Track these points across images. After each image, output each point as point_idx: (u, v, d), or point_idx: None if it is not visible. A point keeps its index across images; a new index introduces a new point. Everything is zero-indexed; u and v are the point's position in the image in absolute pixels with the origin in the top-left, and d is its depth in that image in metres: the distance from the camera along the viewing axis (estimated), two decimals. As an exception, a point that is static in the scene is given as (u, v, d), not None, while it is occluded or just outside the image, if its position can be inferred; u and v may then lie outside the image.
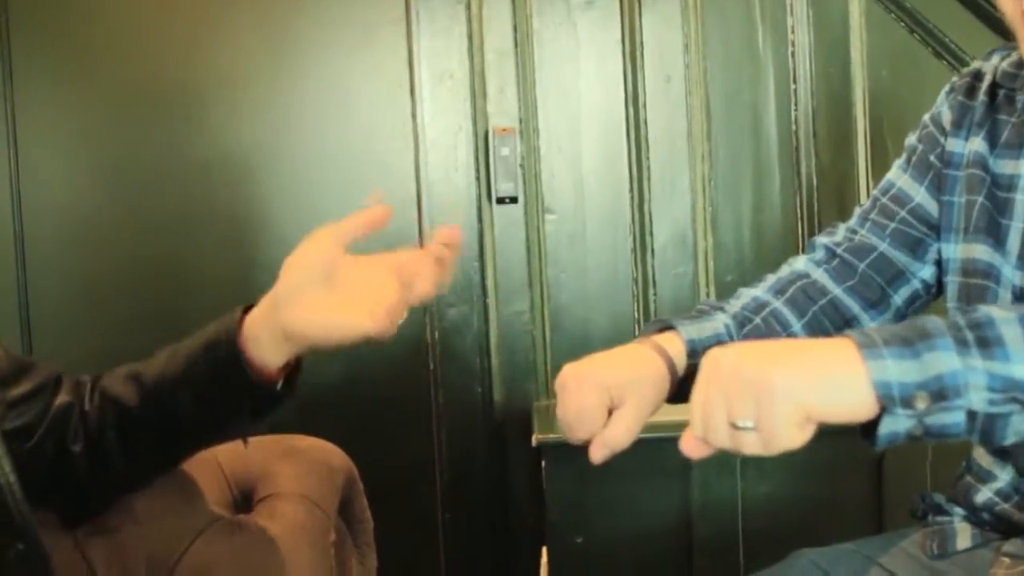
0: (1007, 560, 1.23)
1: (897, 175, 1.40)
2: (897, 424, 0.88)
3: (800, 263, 1.39)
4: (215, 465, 1.32)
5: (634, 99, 2.46)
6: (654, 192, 2.47)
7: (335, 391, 2.40)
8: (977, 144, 1.31)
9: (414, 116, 2.42)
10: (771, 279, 1.38)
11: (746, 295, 1.35)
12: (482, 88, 2.43)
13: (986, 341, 0.88)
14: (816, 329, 1.32)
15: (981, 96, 1.33)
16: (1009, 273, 1.25)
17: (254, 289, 2.34)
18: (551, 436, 2.13)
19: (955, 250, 1.31)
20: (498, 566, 2.45)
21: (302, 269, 1.12)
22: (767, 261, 2.49)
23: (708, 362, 0.92)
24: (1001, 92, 1.31)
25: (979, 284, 1.29)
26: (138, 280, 2.39)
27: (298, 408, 2.39)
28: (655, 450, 2.14)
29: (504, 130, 2.42)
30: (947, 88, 1.38)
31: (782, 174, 2.49)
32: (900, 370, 0.87)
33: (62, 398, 1.17)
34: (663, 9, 2.46)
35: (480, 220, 2.44)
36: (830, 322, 1.34)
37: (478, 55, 2.43)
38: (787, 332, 1.31)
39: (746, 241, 2.50)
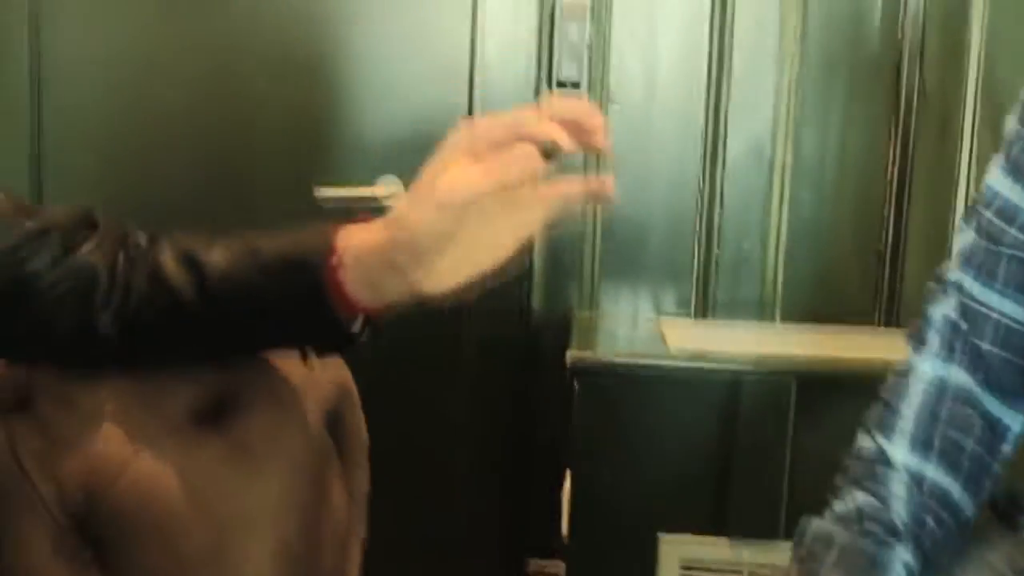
0: None
1: (998, 178, 1.10)
2: None
3: (928, 363, 1.12)
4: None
5: (723, -12, 2.19)
6: (733, 95, 2.21)
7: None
8: None
9: (476, -19, 2.16)
10: (908, 416, 1.10)
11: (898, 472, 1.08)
12: (554, -42, 2.17)
13: None
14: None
15: None
16: None
17: (298, 138, 2.15)
18: (587, 355, 1.91)
19: None
20: (517, 487, 2.25)
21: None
22: (849, 186, 2.24)
23: None
24: None
25: None
26: (170, 129, 2.18)
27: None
28: (702, 383, 1.94)
29: (573, 7, 2.16)
30: None
31: (879, 90, 2.22)
32: None
33: (93, 250, 1.00)
34: None
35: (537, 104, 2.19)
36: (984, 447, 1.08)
37: (554, -80, 2.16)
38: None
39: (829, 161, 2.23)
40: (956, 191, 2.21)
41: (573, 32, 2.15)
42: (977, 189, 1.15)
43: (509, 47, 2.18)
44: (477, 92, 2.18)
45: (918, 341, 1.13)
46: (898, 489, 1.06)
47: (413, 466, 2.18)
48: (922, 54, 2.21)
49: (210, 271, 0.98)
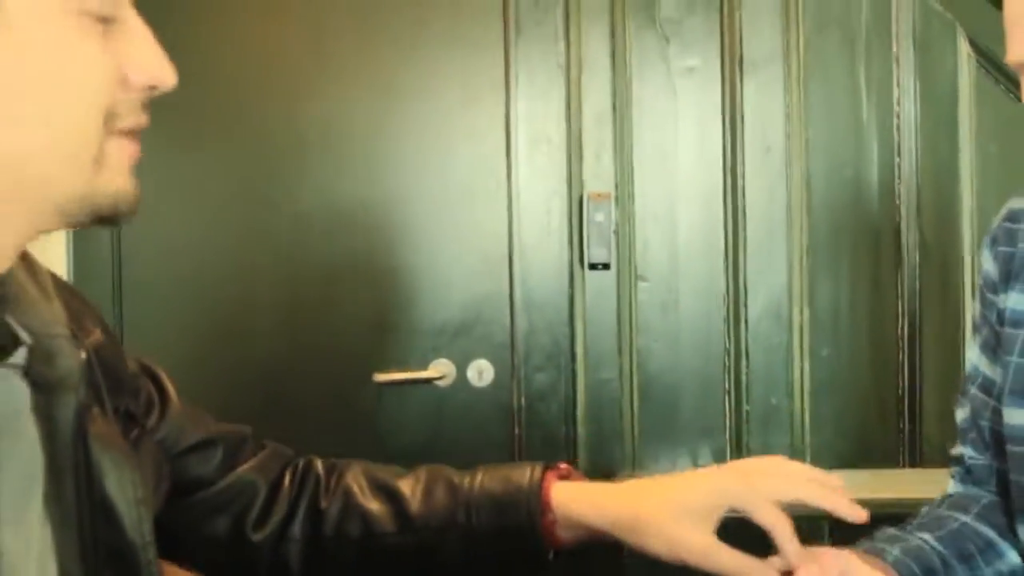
0: None
1: (977, 356, 1.30)
2: None
3: (951, 486, 1.36)
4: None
5: (732, 168, 2.43)
6: (750, 263, 2.42)
7: (417, 455, 2.37)
8: (1015, 296, 1.22)
9: (509, 178, 2.41)
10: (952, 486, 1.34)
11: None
12: (578, 152, 2.42)
13: None
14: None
15: (1022, 242, 1.23)
16: None
17: (358, 328, 2.37)
18: (635, 512, 2.08)
19: (1012, 415, 1.21)
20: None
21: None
22: (864, 338, 2.42)
23: None
24: None
25: (1018, 453, 1.19)
26: (233, 332, 2.41)
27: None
28: (742, 530, 2.09)
29: (599, 195, 2.40)
30: (988, 239, 1.29)
31: (883, 250, 2.43)
32: None
33: (252, 468, 1.08)
34: (765, 77, 2.42)
35: (571, 285, 2.42)
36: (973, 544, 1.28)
37: (575, 119, 2.42)
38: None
39: (843, 316, 2.43)
40: (963, 334, 2.40)
41: (600, 218, 2.38)
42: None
43: (543, 235, 2.41)
44: (516, 277, 2.41)
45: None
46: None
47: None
48: (919, 212, 2.42)
49: (407, 504, 1.06)
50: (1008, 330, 1.23)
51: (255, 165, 2.42)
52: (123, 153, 0.80)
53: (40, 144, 0.75)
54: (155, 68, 0.81)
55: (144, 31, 0.81)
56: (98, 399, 0.88)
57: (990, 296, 1.27)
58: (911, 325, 2.42)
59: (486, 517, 1.06)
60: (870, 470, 2.38)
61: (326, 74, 2.41)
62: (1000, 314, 1.25)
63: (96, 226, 0.81)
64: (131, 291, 2.39)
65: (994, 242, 1.27)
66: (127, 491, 0.86)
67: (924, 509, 1.31)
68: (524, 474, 1.08)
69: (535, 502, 1.05)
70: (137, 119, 0.81)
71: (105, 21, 0.77)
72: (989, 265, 1.28)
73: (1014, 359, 1.21)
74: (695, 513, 1.03)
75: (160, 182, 2.38)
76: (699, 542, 1.03)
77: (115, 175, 0.79)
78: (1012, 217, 1.27)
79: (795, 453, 2.41)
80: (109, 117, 0.78)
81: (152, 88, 0.81)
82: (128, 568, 0.86)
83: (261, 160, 2.42)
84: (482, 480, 1.09)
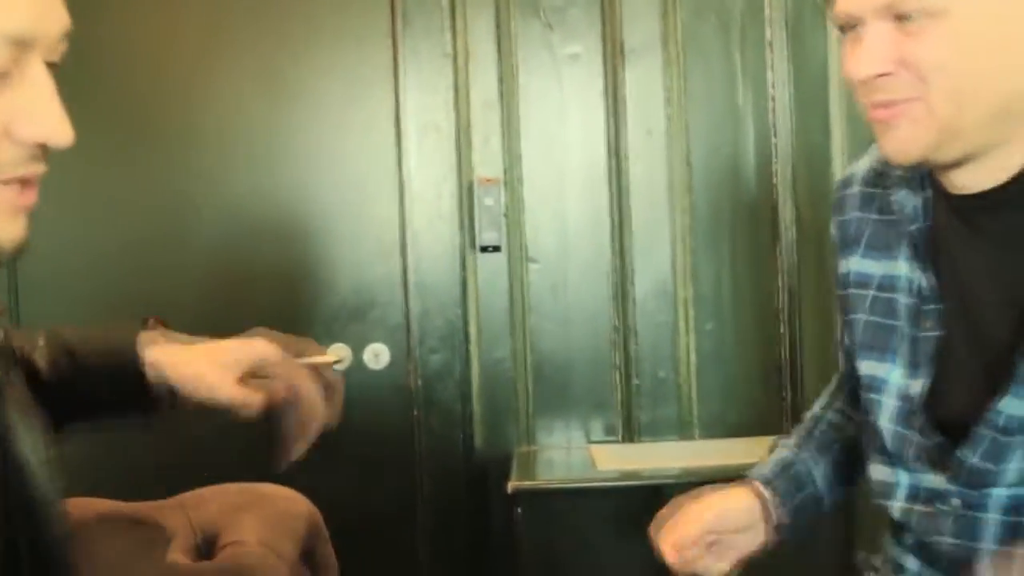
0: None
1: (838, 319, 1.42)
2: None
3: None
4: (182, 511, 1.36)
5: (616, 151, 2.51)
6: (635, 243, 2.51)
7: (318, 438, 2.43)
8: (855, 260, 1.33)
9: (400, 166, 2.47)
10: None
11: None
12: (467, 139, 2.49)
13: None
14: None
15: (854, 210, 1.33)
16: (897, 379, 1.26)
17: (240, 328, 2.40)
18: (526, 483, 2.17)
19: (863, 367, 1.32)
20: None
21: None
22: (746, 312, 2.53)
23: None
24: (876, 194, 1.31)
25: (868, 398, 1.30)
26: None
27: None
28: (631, 498, 2.19)
29: (488, 180, 2.47)
30: (833, 209, 1.40)
31: (761, 226, 2.53)
32: None
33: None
34: (646, 63, 2.51)
35: (463, 268, 2.49)
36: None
37: (463, 107, 2.49)
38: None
39: (725, 291, 2.53)
40: (841, 307, 2.51)
41: (490, 202, 2.46)
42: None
43: (434, 220, 2.48)
44: (410, 261, 2.48)
45: None
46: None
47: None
48: (794, 190, 2.53)
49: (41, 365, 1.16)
50: (853, 291, 1.33)
51: (147, 161, 2.45)
52: (5, 199, 0.82)
53: None
54: (47, 125, 0.82)
55: (44, 86, 0.82)
56: (9, 368, 0.97)
57: (835, 260, 1.38)
58: (790, 298, 2.53)
59: (95, 371, 1.17)
60: (755, 437, 2.48)
61: (218, 71, 2.45)
62: (844, 278, 1.35)
63: None
64: (26, 286, 2.41)
65: (834, 212, 1.38)
66: (39, 451, 0.95)
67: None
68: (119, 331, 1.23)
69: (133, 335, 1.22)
70: (27, 169, 0.83)
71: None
72: (833, 229, 1.39)
73: (862, 317, 1.31)
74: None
75: (52, 179, 2.40)
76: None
77: None
78: (844, 183, 1.37)
79: (683, 424, 2.51)
80: None
81: (41, 144, 0.82)
82: (39, 520, 0.94)
83: (154, 155, 2.45)
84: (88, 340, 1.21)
